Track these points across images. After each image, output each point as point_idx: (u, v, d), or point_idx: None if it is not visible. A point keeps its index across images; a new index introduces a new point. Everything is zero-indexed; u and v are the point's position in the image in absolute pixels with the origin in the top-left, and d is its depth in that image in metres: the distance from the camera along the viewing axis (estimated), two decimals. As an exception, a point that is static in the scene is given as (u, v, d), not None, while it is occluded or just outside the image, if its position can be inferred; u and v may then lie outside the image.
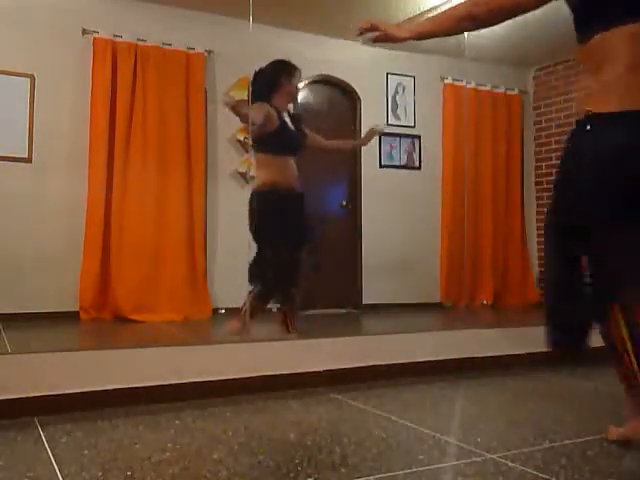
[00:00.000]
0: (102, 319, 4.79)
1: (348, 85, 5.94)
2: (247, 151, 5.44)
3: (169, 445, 2.06)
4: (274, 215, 3.50)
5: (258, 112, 3.41)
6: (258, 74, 3.66)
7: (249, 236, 3.72)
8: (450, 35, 2.03)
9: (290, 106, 3.83)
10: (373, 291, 5.85)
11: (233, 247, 5.29)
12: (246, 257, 4.92)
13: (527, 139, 6.68)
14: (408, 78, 6.21)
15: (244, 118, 3.68)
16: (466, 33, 5.16)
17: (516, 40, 5.80)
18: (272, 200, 3.53)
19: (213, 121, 5.37)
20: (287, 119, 3.64)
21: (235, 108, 3.44)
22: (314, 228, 3.81)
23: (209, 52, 5.34)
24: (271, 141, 3.54)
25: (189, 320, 4.87)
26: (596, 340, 2.08)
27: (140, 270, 4.88)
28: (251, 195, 3.64)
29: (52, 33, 4.88)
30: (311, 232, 3.74)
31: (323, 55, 5.74)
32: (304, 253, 3.65)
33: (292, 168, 3.59)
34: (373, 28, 2.20)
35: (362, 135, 5.93)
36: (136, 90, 5.03)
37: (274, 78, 3.58)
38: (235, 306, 5.01)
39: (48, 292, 4.72)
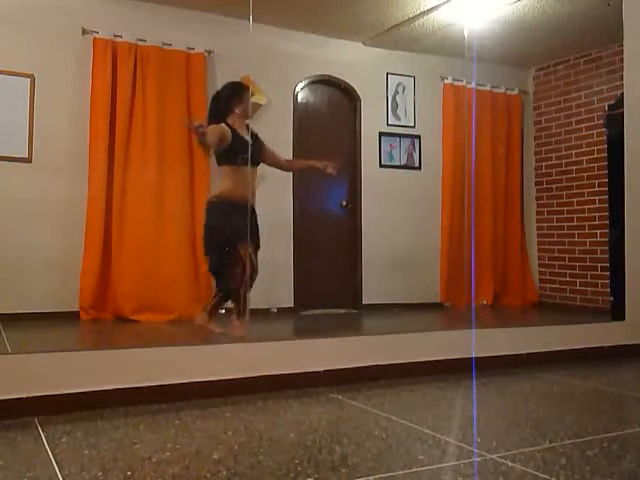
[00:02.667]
0: (102, 319, 4.79)
1: (348, 85, 5.94)
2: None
3: (169, 445, 2.06)
4: (218, 221, 3.91)
5: (213, 134, 3.87)
6: (215, 97, 4.06)
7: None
8: None
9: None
10: (373, 291, 5.85)
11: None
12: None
13: (527, 139, 6.68)
14: (408, 78, 6.21)
15: (202, 139, 4.11)
16: (466, 33, 5.18)
17: (516, 40, 5.80)
18: (218, 209, 3.92)
19: (213, 121, 5.36)
20: (245, 134, 3.97)
21: (196, 132, 3.98)
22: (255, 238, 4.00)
23: (209, 52, 5.34)
24: (227, 154, 3.92)
25: (190, 321, 4.86)
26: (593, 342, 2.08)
27: (140, 270, 4.88)
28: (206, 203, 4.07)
29: (52, 33, 4.88)
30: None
31: (323, 55, 5.74)
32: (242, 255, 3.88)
33: (246, 179, 3.88)
34: None
35: (362, 137, 5.96)
36: (136, 90, 5.03)
37: (227, 101, 3.96)
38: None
39: (48, 292, 4.72)
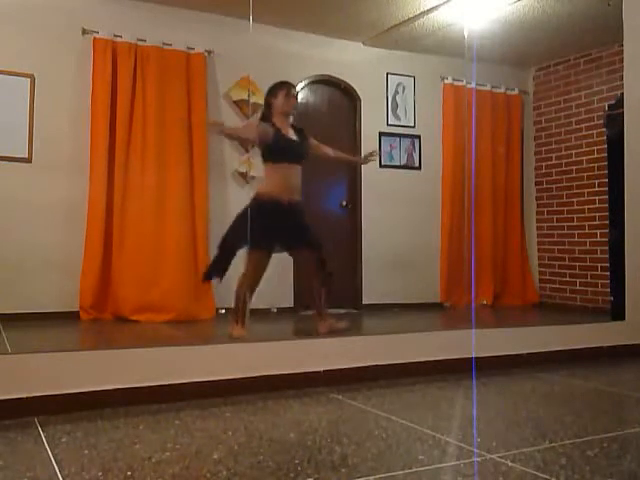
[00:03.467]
0: (102, 319, 4.79)
1: (348, 85, 5.94)
2: (247, 151, 5.44)
3: (169, 445, 2.06)
4: (254, 220, 3.87)
5: (248, 130, 4.03)
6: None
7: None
8: None
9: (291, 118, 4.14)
10: (373, 291, 5.85)
11: (233, 247, 5.29)
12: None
13: (527, 139, 6.68)
14: (408, 78, 6.21)
15: (239, 140, 4.41)
16: (466, 33, 5.18)
17: (516, 40, 5.80)
18: (255, 208, 3.91)
19: (213, 121, 5.36)
20: (290, 132, 4.00)
21: (227, 135, 4.23)
22: (305, 236, 4.01)
23: (209, 52, 5.34)
24: (269, 151, 3.97)
25: (191, 321, 4.87)
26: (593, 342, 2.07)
27: (141, 270, 4.87)
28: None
29: (52, 33, 4.88)
30: (298, 238, 3.97)
31: (323, 55, 5.74)
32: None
33: (288, 177, 3.93)
34: None
35: (362, 137, 5.97)
36: (136, 90, 5.02)
37: (267, 100, 4.02)
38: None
39: (48, 292, 4.72)
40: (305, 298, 4.08)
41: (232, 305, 4.00)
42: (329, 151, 4.28)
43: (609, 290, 4.58)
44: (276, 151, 3.92)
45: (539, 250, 6.59)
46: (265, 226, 3.79)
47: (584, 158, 6.12)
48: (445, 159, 6.25)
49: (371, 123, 6.03)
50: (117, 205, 4.90)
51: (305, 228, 4.02)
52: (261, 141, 3.96)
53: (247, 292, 3.89)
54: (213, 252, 5.24)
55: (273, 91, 4.00)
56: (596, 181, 5.93)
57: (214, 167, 5.33)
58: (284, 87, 3.99)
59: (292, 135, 4.00)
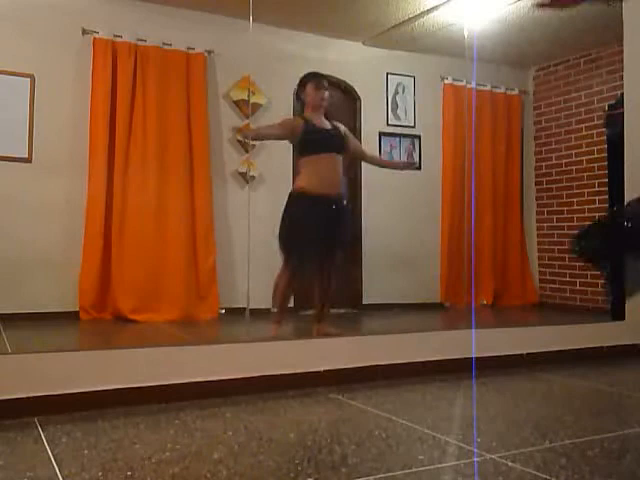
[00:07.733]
0: (102, 319, 4.79)
1: (348, 85, 5.94)
2: (247, 151, 5.44)
3: (169, 445, 2.06)
4: (297, 218, 3.77)
5: (273, 126, 3.93)
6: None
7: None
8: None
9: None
10: (373, 291, 5.84)
11: (233, 247, 5.29)
12: (246, 257, 4.92)
13: (527, 139, 6.67)
14: (408, 78, 6.21)
15: (268, 137, 4.22)
16: (466, 33, 5.18)
17: (516, 40, 5.80)
18: (297, 203, 3.80)
19: (212, 121, 5.36)
20: (324, 124, 3.88)
21: (254, 137, 4.23)
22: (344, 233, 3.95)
23: (209, 52, 5.34)
24: (300, 145, 3.86)
25: (192, 321, 4.86)
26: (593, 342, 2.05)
27: (140, 270, 4.87)
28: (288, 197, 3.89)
29: (52, 33, 4.87)
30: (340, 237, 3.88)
31: (323, 55, 5.73)
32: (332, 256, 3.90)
33: (325, 169, 3.78)
34: None
35: (362, 137, 5.96)
36: (136, 90, 5.02)
37: (297, 95, 4.00)
38: (236, 306, 5.02)
39: (48, 292, 4.72)
40: (308, 296, 4.09)
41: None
42: (366, 155, 4.38)
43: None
44: (308, 142, 3.77)
45: (539, 250, 6.59)
46: (304, 223, 3.70)
47: (584, 158, 6.11)
48: (445, 159, 6.25)
49: (371, 123, 6.03)
50: (117, 205, 4.90)
51: (343, 227, 3.87)
52: (293, 135, 3.81)
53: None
54: (218, 250, 5.28)
55: (301, 83, 3.90)
56: (596, 181, 5.92)
57: (214, 167, 5.33)
58: (312, 78, 3.87)
59: (325, 126, 3.85)
